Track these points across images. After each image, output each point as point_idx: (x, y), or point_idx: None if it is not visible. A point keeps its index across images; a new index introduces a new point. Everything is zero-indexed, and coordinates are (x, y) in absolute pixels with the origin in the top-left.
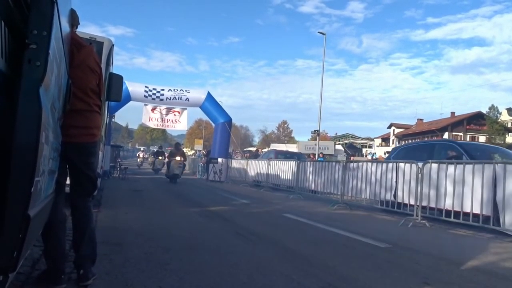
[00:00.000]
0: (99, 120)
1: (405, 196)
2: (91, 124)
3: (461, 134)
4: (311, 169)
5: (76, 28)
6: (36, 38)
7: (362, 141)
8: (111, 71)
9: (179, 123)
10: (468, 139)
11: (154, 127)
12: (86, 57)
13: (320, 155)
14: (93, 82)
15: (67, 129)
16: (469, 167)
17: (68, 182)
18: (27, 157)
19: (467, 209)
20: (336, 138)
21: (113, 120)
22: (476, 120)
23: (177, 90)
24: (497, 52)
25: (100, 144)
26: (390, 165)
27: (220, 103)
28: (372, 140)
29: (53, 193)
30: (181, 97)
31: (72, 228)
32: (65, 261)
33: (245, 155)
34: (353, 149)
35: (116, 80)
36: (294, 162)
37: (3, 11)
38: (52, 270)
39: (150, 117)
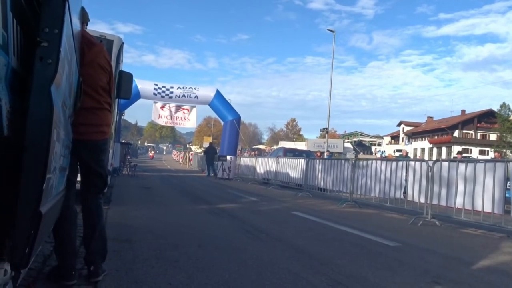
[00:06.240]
0: (109, 117)
1: (415, 194)
2: (102, 121)
3: (471, 132)
4: (320, 167)
5: (87, 25)
6: (47, 36)
7: (371, 139)
8: (120, 68)
9: (188, 121)
10: (478, 137)
11: (163, 124)
12: (97, 55)
13: (327, 153)
14: (104, 80)
15: (78, 126)
16: (480, 166)
17: (78, 179)
18: (39, 154)
19: (478, 207)
20: (345, 136)
21: (122, 117)
22: (487, 118)
23: (186, 87)
24: (511, 48)
25: (110, 142)
26: (400, 163)
27: (229, 101)
28: (381, 138)
29: (64, 190)
30: (190, 95)
31: (83, 224)
32: (76, 257)
33: (252, 152)
34: (362, 147)
35: (126, 78)
36: (303, 160)
37: (15, 9)
38: (62, 266)
39: (159, 115)
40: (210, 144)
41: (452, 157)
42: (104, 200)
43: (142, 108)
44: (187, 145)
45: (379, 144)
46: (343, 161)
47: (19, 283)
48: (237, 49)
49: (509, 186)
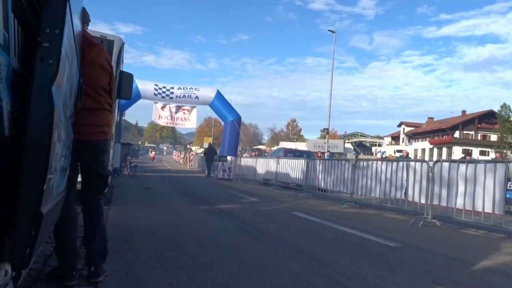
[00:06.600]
0: (110, 118)
1: (415, 195)
2: (102, 122)
3: (472, 132)
4: (320, 167)
5: (87, 25)
6: (48, 36)
7: (372, 140)
8: (121, 69)
9: (189, 121)
10: (479, 138)
11: (163, 125)
12: (97, 55)
13: (327, 153)
14: (104, 81)
15: (79, 127)
16: (480, 166)
17: (79, 179)
18: (40, 154)
19: (478, 208)
20: (346, 137)
21: (123, 118)
22: (487, 118)
23: (187, 88)
24: (511, 49)
25: (111, 142)
26: (400, 163)
27: (229, 101)
28: (382, 138)
29: (64, 190)
30: (190, 95)
31: (83, 225)
32: (76, 258)
33: (253, 153)
34: (363, 148)
35: (126, 78)
36: (303, 160)
37: (16, 10)
38: (63, 267)
39: (160, 115)
40: (209, 145)
41: (460, 158)
42: (105, 201)
43: (143, 108)
44: (188, 146)
45: (380, 145)
46: (343, 162)
47: (20, 283)
48: (238, 50)
49: (509, 186)
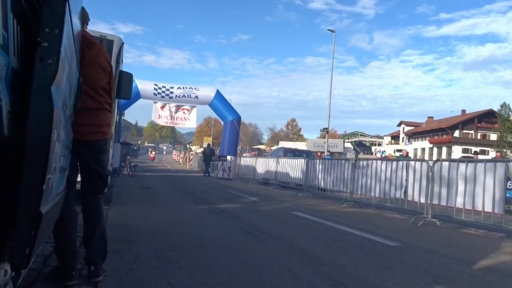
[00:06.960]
0: (110, 118)
1: (415, 194)
2: (102, 122)
3: (472, 132)
4: (320, 167)
5: (87, 25)
6: (48, 36)
7: (372, 139)
8: (121, 69)
9: (188, 121)
10: (479, 137)
11: (163, 124)
12: (97, 55)
13: (327, 153)
14: (104, 80)
15: (78, 127)
16: (480, 166)
17: (79, 179)
18: (39, 154)
19: (478, 207)
20: (345, 136)
21: (122, 117)
22: (487, 118)
23: (187, 88)
24: (511, 48)
25: (110, 142)
26: (400, 163)
27: (229, 101)
28: (382, 138)
29: (64, 190)
30: (190, 95)
31: (83, 225)
32: (76, 257)
33: (253, 152)
34: (363, 147)
35: (126, 78)
36: (303, 160)
37: (15, 9)
38: (63, 267)
39: (159, 115)
40: (208, 145)
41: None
42: (104, 200)
43: (142, 108)
44: (187, 145)
45: (380, 144)
46: (343, 161)
47: (19, 283)
48: (238, 49)
49: (509, 186)
